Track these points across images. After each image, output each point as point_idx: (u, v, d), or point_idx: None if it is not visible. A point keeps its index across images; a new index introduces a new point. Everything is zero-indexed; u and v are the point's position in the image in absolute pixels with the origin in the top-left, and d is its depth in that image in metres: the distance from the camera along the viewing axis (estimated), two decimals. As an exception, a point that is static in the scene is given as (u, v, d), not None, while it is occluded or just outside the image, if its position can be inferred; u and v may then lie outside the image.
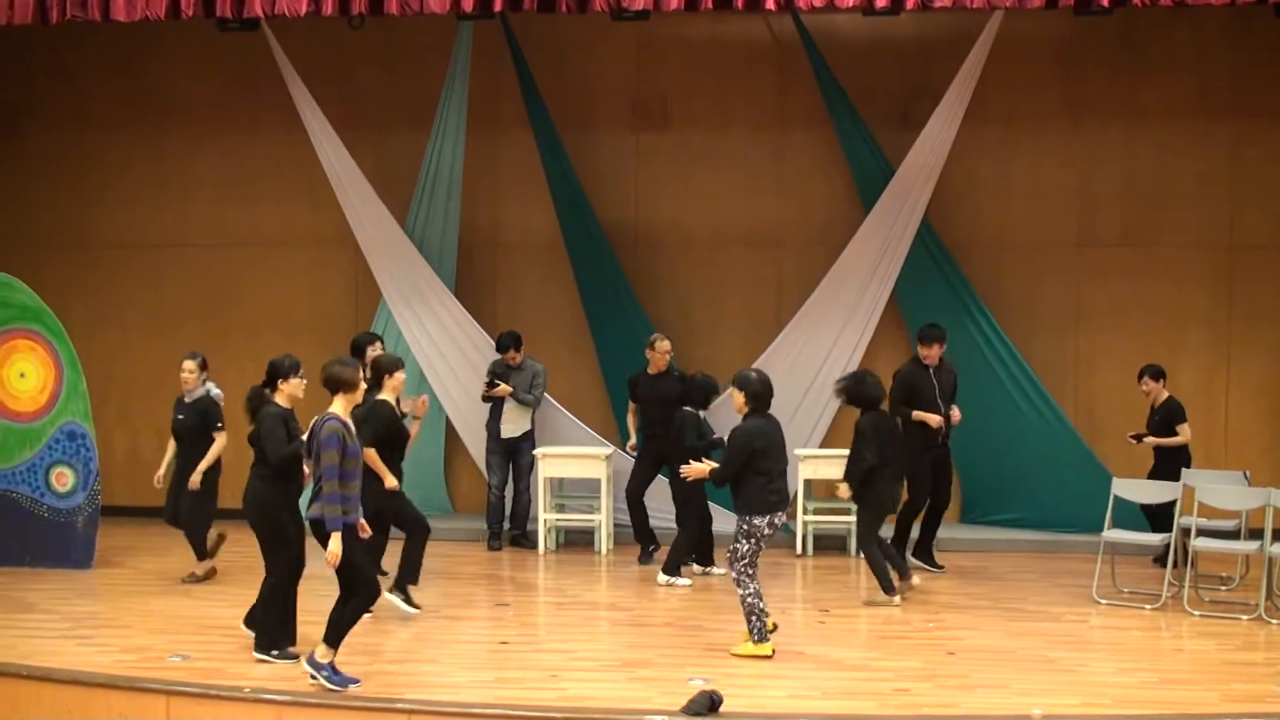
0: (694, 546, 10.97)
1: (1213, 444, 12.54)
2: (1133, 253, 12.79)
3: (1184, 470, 10.68)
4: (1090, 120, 12.79)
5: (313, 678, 7.79)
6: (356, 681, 7.82)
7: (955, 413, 11.14)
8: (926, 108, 12.42)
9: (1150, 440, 11.24)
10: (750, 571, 8.62)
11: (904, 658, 8.73)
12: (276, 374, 8.77)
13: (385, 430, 9.36)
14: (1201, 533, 10.03)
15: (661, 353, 11.67)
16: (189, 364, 10.44)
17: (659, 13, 10.82)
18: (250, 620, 8.69)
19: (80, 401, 11.10)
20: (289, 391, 8.75)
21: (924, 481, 11.03)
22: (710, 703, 7.44)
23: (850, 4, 10.59)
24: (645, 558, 11.55)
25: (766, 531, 8.60)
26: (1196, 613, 9.81)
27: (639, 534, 11.66)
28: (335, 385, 7.91)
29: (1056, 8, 10.53)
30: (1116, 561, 10.53)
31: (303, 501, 8.42)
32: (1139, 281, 12.76)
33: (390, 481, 9.44)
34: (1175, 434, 11.16)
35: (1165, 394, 11.30)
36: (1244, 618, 9.66)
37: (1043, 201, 12.88)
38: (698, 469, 8.99)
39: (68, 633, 9.14)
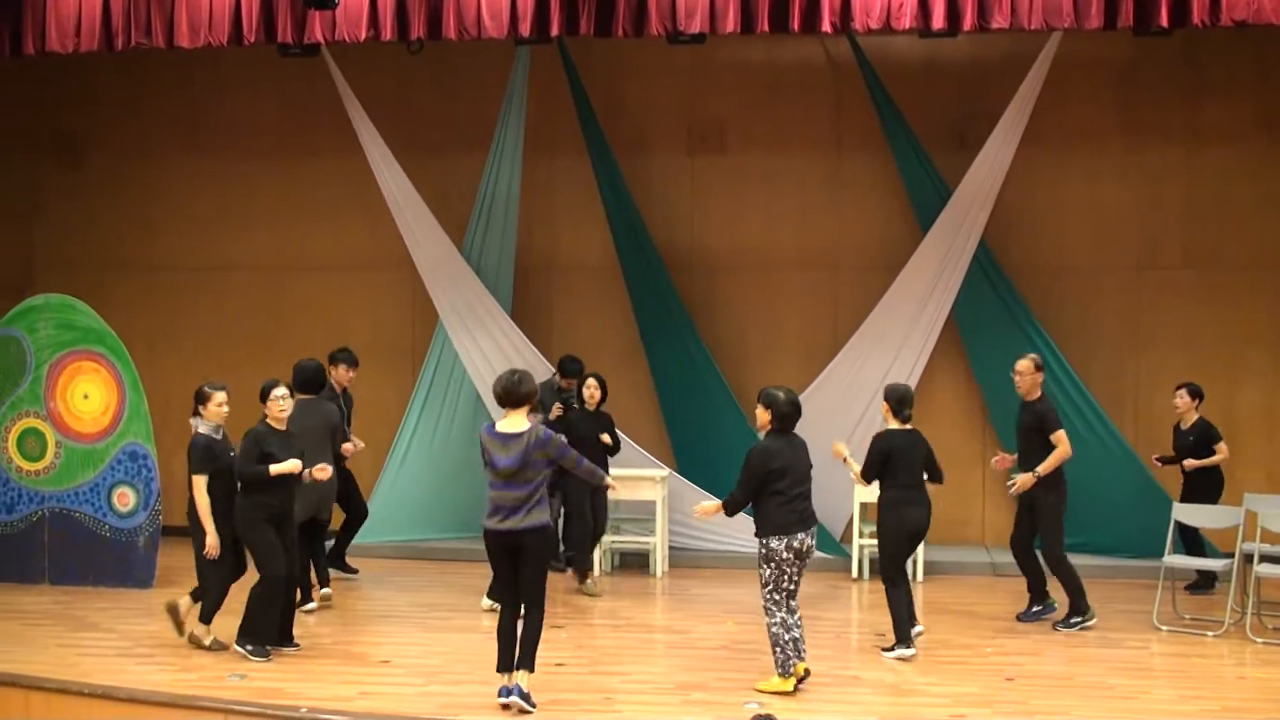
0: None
1: (1275, 468, 12.38)
2: (1193, 275, 12.66)
3: (1246, 495, 10.54)
4: (1150, 142, 12.69)
5: (522, 709, 7.85)
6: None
7: None
8: (983, 129, 12.37)
9: (1191, 463, 11.07)
10: (776, 598, 8.23)
11: (961, 683, 8.66)
12: (264, 396, 9.15)
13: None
14: (1265, 558, 9.89)
15: None
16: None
17: (715, 36, 10.86)
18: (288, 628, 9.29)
19: (142, 423, 11.23)
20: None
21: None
22: (765, 728, 7.41)
23: (907, 26, 10.56)
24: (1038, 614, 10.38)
25: (785, 555, 8.20)
26: (1260, 640, 9.67)
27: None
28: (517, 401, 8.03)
29: (1115, 29, 10.45)
30: (1177, 587, 10.40)
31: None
32: (1199, 303, 12.63)
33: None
34: (1214, 454, 11.03)
35: (1196, 415, 11.18)
36: (1309, 645, 9.54)
37: (1101, 223, 12.79)
38: (708, 508, 8.58)
39: (128, 651, 9.24)
